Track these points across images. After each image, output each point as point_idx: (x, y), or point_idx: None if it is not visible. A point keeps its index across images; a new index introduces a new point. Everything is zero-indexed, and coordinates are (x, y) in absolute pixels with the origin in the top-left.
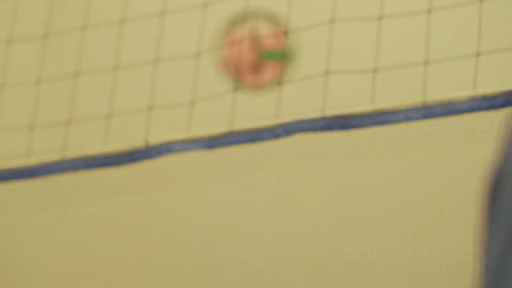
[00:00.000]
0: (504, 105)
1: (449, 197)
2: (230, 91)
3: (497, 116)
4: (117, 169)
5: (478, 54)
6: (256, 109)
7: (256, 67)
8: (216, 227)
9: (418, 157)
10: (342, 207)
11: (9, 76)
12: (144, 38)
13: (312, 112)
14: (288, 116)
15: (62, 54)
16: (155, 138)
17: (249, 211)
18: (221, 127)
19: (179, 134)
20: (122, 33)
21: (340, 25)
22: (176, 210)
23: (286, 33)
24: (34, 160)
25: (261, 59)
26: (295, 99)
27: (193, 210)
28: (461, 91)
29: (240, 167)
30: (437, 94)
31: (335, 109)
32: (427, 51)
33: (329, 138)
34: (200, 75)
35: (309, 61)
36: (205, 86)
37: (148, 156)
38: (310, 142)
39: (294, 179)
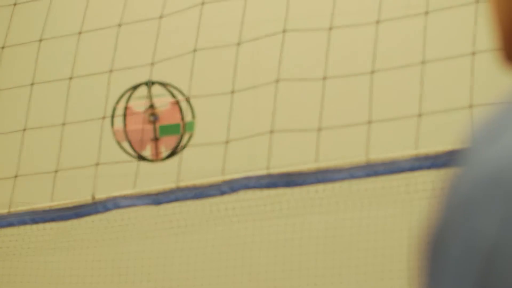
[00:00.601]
0: (445, 164)
1: (391, 253)
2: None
3: (439, 175)
4: (64, 223)
5: (420, 115)
6: (203, 166)
7: (155, 140)
8: (161, 281)
9: (361, 214)
10: (286, 262)
11: None
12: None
13: (257, 169)
14: (233, 173)
15: (11, 110)
16: (102, 193)
17: (195, 266)
18: (167, 183)
19: (125, 190)
20: (69, 89)
21: (285, 84)
22: (122, 264)
23: (184, 104)
24: None
25: (160, 134)
26: (240, 157)
27: (139, 263)
28: (404, 150)
29: (186, 222)
30: (380, 152)
31: (280, 167)
32: (370, 111)
33: (274, 194)
34: None
35: (254, 119)
36: None
37: (95, 211)
38: (255, 198)
39: (239, 234)
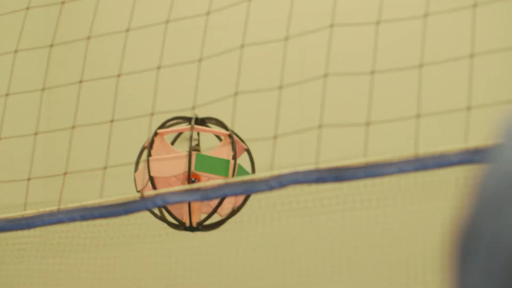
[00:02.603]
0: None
1: (440, 247)
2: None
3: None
4: (113, 220)
5: (469, 108)
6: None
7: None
8: (211, 276)
9: (410, 208)
10: (334, 257)
11: (6, 128)
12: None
13: (306, 164)
14: (282, 168)
15: (58, 107)
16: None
17: (244, 261)
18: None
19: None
20: (117, 86)
21: (333, 79)
22: (172, 260)
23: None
24: (31, 210)
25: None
26: (289, 152)
27: (188, 259)
28: (453, 144)
29: (235, 218)
30: (429, 146)
31: (328, 162)
32: (419, 105)
33: (323, 190)
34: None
35: (302, 114)
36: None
37: (144, 207)
38: (304, 194)
39: (287, 230)
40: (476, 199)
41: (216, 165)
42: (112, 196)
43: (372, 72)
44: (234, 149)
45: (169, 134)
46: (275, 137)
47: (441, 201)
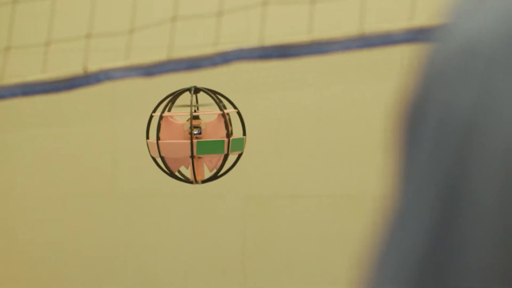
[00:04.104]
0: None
1: (385, 125)
2: (169, 20)
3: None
4: (55, 96)
5: None
6: (195, 37)
7: (193, 158)
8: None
9: (356, 87)
10: (277, 136)
11: None
12: None
13: (251, 41)
14: (226, 44)
15: None
16: (94, 66)
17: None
18: (159, 55)
19: (118, 62)
20: None
21: None
22: (112, 138)
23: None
24: None
25: (198, 152)
26: (234, 29)
27: (129, 138)
28: (399, 22)
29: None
30: (376, 24)
31: (273, 38)
32: None
33: (267, 67)
34: (139, 2)
35: None
36: (144, 14)
37: (87, 83)
38: (248, 70)
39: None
40: (424, 76)
41: (214, 146)
42: (55, 72)
43: None
44: (227, 128)
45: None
46: (219, 14)
47: (387, 80)
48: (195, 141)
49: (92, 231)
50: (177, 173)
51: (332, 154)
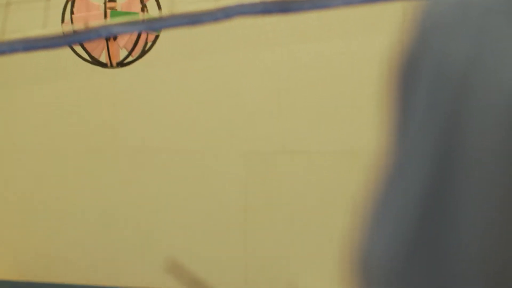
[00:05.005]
0: None
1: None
2: None
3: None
4: (56, 51)
5: None
6: None
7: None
8: (155, 108)
9: (356, 42)
10: (279, 93)
11: None
12: None
13: None
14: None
15: None
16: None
17: (190, 94)
18: (162, 12)
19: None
20: None
21: None
22: (113, 94)
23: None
24: None
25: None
26: None
27: (130, 94)
28: None
29: (180, 49)
30: None
31: None
32: None
33: (269, 21)
34: None
35: None
36: None
37: (88, 38)
38: (250, 25)
39: (233, 61)
40: (421, 27)
41: (128, 17)
42: (55, 27)
43: None
44: (142, 3)
45: None
46: None
47: (388, 35)
48: (108, 11)
49: (92, 187)
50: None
51: (333, 110)
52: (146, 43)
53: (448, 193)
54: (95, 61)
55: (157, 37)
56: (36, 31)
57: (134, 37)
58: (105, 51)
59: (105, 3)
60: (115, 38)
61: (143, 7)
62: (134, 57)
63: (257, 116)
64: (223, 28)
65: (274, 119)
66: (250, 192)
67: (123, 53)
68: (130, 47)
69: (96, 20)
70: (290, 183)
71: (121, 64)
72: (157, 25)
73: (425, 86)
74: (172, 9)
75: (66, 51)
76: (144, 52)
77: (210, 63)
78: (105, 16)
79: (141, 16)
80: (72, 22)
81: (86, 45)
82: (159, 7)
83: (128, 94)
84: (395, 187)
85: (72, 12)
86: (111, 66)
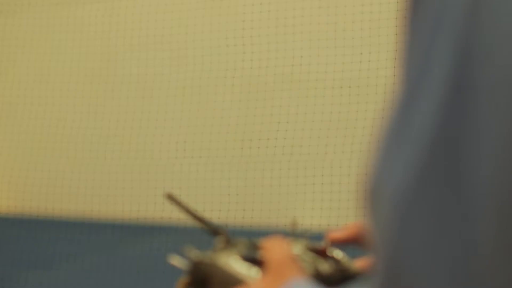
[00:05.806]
0: None
1: (389, 8)
2: None
3: None
4: None
5: None
6: None
7: None
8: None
9: None
10: (280, 19)
11: None
12: None
13: None
14: None
15: None
16: None
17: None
18: None
19: None
20: None
21: None
22: (113, 22)
23: None
24: None
25: None
26: None
27: (127, 23)
28: None
29: None
30: None
31: None
32: None
33: None
34: None
35: None
36: None
37: None
38: None
39: None
40: None
41: None
42: None
43: None
44: None
45: None
46: None
47: None
48: None
49: (92, 112)
50: None
51: (335, 38)
52: None
53: (462, 119)
54: None
55: None
56: None
57: None
58: None
59: None
60: None
61: None
62: None
63: (257, 44)
64: None
65: (274, 47)
66: (249, 121)
67: None
68: None
69: None
70: (290, 112)
71: None
72: None
73: (432, 14)
74: None
75: None
76: None
77: None
78: None
79: None
80: None
81: None
82: None
83: (126, 25)
84: (407, 113)
85: None
86: None
